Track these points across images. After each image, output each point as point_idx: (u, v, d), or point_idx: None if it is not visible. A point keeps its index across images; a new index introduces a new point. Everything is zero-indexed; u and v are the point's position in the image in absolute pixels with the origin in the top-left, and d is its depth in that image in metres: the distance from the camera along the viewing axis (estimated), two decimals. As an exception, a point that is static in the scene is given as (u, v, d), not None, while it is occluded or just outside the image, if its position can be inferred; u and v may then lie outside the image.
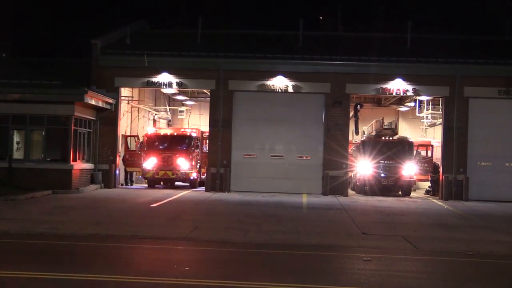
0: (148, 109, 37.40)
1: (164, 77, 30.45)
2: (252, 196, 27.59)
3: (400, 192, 31.77)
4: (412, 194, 32.22)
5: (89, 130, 29.62)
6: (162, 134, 32.73)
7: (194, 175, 31.67)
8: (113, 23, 35.23)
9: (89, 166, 29.37)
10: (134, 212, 20.70)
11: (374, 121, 37.82)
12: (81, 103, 27.34)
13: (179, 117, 39.54)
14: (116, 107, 30.38)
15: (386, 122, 36.46)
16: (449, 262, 13.73)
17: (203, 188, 30.55)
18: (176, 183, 32.72)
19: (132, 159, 32.04)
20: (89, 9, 56.77)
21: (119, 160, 31.18)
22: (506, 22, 35.74)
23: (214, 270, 11.94)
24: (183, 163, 31.10)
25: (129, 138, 32.91)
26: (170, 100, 40.50)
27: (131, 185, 33.03)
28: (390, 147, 31.45)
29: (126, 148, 32.47)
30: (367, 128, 38.88)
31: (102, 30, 33.06)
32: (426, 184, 34.39)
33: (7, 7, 41.31)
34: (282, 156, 30.54)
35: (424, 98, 34.52)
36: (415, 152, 32.22)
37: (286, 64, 30.31)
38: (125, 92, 32.21)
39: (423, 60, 30.46)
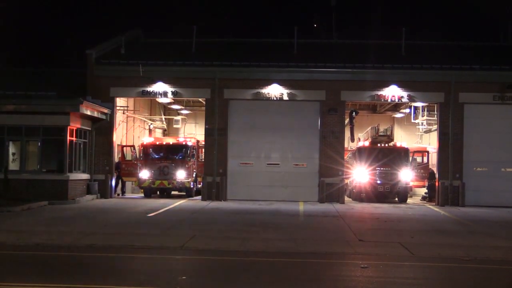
0: (144, 119, 37.41)
1: (159, 87, 30.43)
2: (249, 205, 27.58)
3: (396, 199, 31.82)
4: (409, 200, 32.26)
5: (84, 140, 29.58)
6: (158, 143, 32.73)
7: (190, 184, 31.65)
8: (107, 33, 35.15)
9: (85, 176, 29.31)
10: (131, 222, 20.65)
11: (370, 128, 37.94)
12: (76, 113, 27.35)
13: (174, 126, 39.55)
14: (111, 117, 30.36)
15: (381, 128, 36.58)
16: (446, 268, 13.73)
17: (199, 197, 30.53)
18: (173, 192, 32.68)
19: (128, 169, 32.02)
20: (83, 19, 56.84)
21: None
22: (500, 28, 35.98)
23: (212, 279, 11.92)
24: (179, 173, 31.12)
25: (125, 148, 32.87)
26: (165, 109, 40.51)
27: (122, 195, 32.82)
28: (386, 154, 31.52)
29: (122, 158, 32.43)
30: (362, 135, 38.95)
31: (96, 39, 33.03)
32: (423, 190, 34.44)
33: (1, 18, 41.29)
34: (278, 164, 30.54)
35: (419, 104, 34.67)
36: (411, 158, 32.28)
37: (281, 72, 30.36)
38: (120, 102, 32.24)
39: (417, 67, 30.55)
